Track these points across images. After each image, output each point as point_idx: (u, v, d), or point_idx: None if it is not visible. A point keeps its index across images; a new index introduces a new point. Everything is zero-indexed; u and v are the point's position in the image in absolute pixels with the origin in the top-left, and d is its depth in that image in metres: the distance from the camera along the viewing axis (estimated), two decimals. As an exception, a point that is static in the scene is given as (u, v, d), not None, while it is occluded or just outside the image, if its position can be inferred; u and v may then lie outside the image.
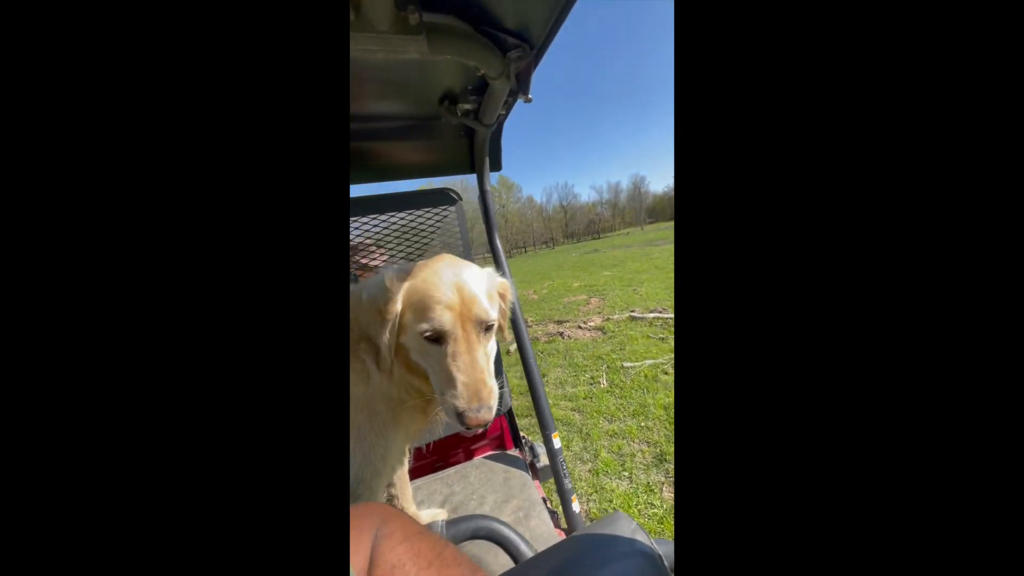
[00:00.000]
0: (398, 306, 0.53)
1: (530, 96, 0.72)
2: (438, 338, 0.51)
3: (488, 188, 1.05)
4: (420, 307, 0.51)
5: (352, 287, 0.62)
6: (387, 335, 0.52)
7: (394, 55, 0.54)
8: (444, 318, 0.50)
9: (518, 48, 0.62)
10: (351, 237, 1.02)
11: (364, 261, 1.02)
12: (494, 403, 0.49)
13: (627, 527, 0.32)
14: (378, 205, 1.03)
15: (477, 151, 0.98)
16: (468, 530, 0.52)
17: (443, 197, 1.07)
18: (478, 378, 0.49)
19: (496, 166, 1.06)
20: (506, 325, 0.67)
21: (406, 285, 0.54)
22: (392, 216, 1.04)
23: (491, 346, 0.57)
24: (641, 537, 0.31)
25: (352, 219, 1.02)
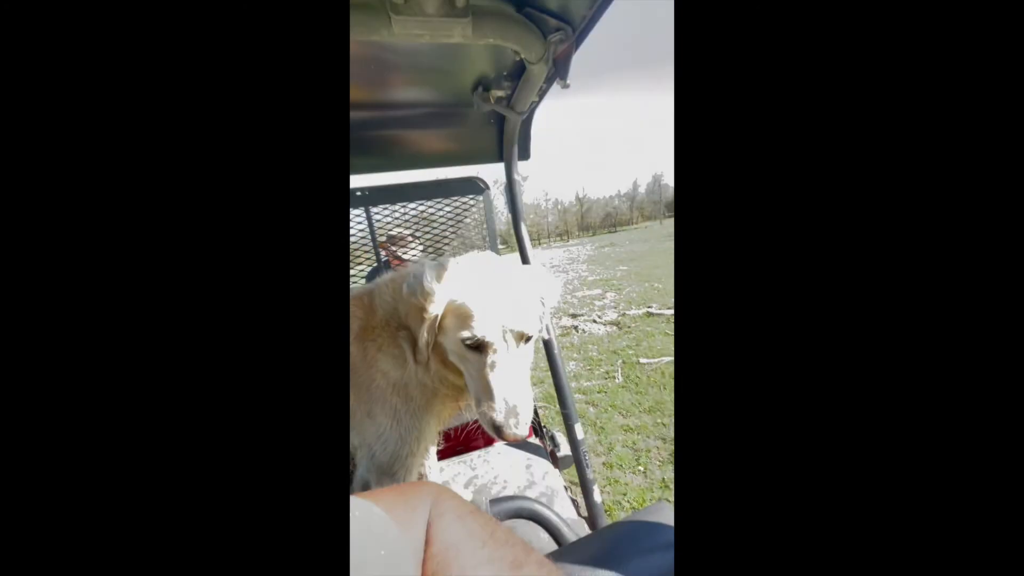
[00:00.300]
0: (439, 309, 0.53)
1: (568, 82, 0.70)
2: (479, 347, 0.52)
3: (516, 178, 1.04)
4: (462, 314, 0.52)
5: (394, 275, 0.63)
6: (425, 334, 0.53)
7: (437, 39, 0.53)
8: (486, 329, 0.51)
9: (560, 31, 0.60)
10: (386, 227, 1.04)
11: (400, 252, 1.04)
12: (529, 418, 0.50)
13: (671, 516, 0.32)
14: (406, 193, 1.05)
15: (507, 139, 0.97)
16: (511, 510, 0.53)
17: (471, 186, 1.07)
18: (516, 392, 0.50)
19: (525, 155, 1.05)
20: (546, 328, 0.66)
21: (448, 287, 0.53)
22: (421, 204, 1.05)
23: (529, 353, 0.57)
24: None
25: (382, 207, 1.03)
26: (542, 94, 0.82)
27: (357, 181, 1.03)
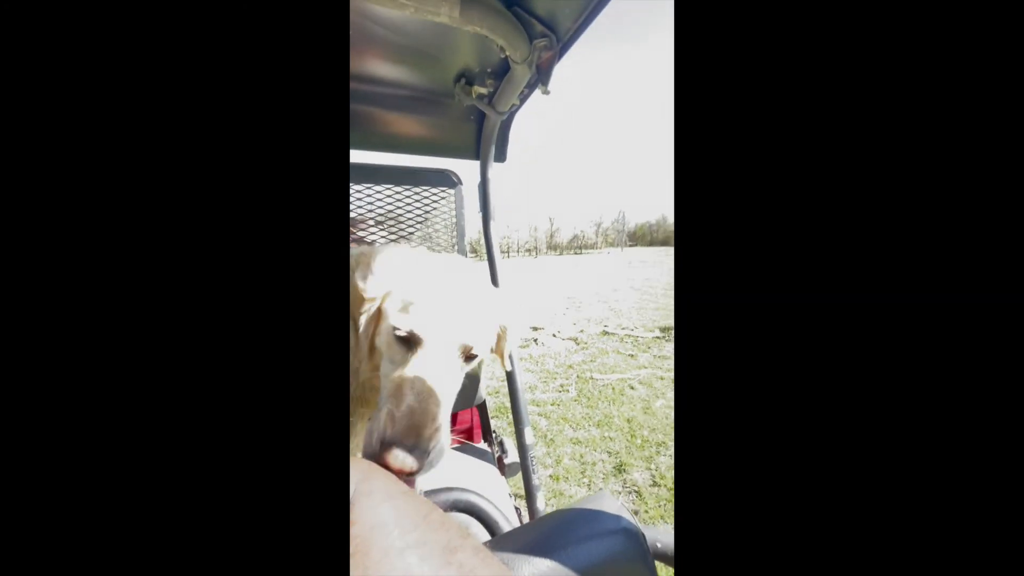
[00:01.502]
0: (379, 292, 0.44)
1: (549, 89, 0.73)
2: (409, 341, 0.42)
3: (489, 177, 1.04)
4: (406, 299, 0.43)
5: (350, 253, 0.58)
6: (363, 320, 0.44)
7: (422, 14, 0.52)
8: (427, 324, 0.41)
9: (545, 38, 0.63)
10: (368, 206, 0.97)
11: (361, 235, 0.97)
12: (432, 455, 0.36)
13: (612, 505, 0.32)
14: (375, 175, 0.99)
15: (485, 138, 0.98)
16: (447, 502, 0.49)
17: (443, 178, 1.05)
18: (428, 411, 0.37)
19: (501, 157, 1.06)
20: (502, 361, 0.56)
21: (400, 268, 0.46)
22: (388, 188, 1.00)
23: (459, 377, 0.45)
24: (626, 515, 0.31)
25: (352, 185, 0.97)
26: (523, 98, 0.84)
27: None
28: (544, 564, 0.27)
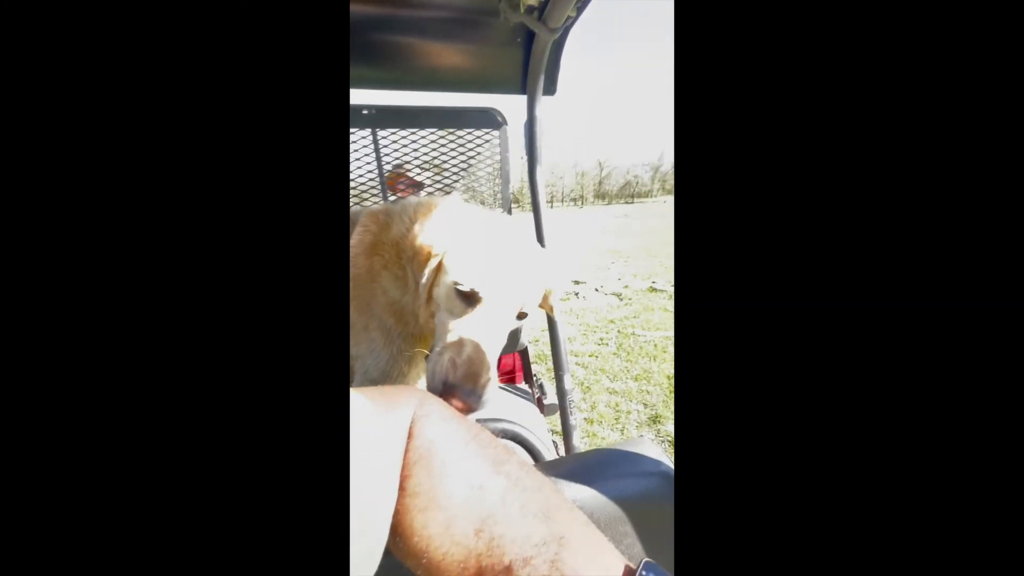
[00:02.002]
0: (445, 244, 0.48)
1: None
2: (469, 297, 0.47)
3: (538, 114, 0.94)
4: (466, 259, 0.47)
5: (417, 202, 0.60)
6: (427, 273, 0.49)
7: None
8: (487, 284, 0.45)
9: None
10: (392, 154, 0.97)
11: (404, 187, 0.99)
12: (485, 396, 0.42)
13: (653, 451, 0.33)
14: (416, 118, 0.96)
15: (533, 65, 0.86)
16: (496, 430, 0.56)
17: (487, 118, 0.98)
18: (484, 362, 0.42)
19: (551, 89, 0.94)
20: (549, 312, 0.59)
21: (459, 224, 0.49)
22: (432, 132, 0.97)
23: (507, 331, 0.50)
24: (667, 461, 0.32)
25: (388, 130, 0.95)
26: (581, 7, 0.70)
27: (362, 97, 0.94)
28: (585, 490, 0.29)
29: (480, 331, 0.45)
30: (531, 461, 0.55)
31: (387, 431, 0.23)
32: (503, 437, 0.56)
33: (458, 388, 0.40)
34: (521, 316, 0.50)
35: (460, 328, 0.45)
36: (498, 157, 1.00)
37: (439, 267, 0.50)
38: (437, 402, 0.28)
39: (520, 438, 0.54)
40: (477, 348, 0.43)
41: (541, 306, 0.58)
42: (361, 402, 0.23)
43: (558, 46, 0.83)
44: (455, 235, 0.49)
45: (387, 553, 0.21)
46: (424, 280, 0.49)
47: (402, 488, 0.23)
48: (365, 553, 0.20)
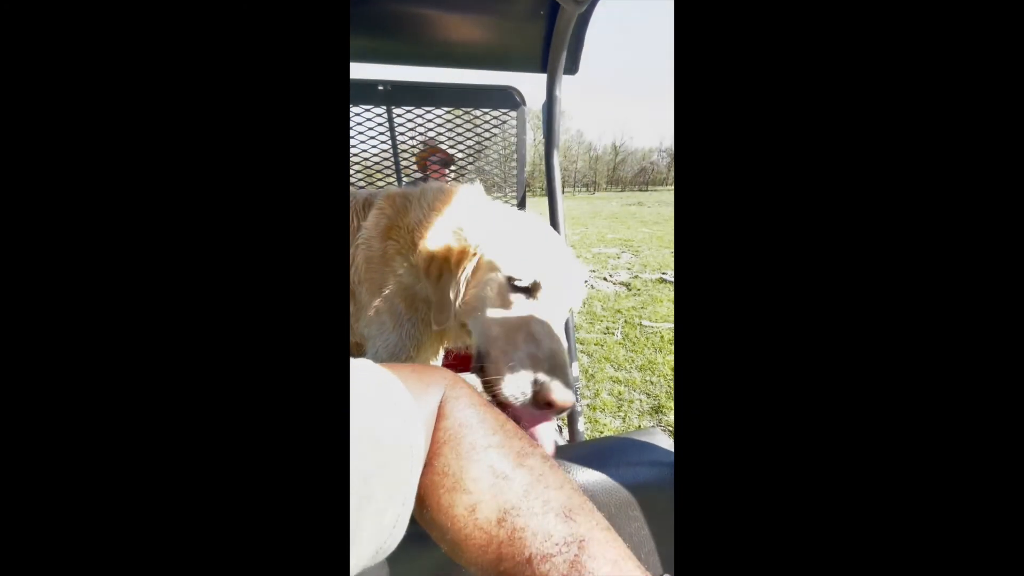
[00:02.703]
0: (478, 240, 0.47)
1: None
2: (529, 291, 0.44)
3: (558, 94, 0.90)
4: (513, 252, 0.45)
5: (437, 188, 0.59)
6: (469, 268, 0.46)
7: None
8: (548, 270, 0.44)
9: None
10: (408, 132, 0.95)
11: (436, 161, 0.97)
12: (576, 389, 0.43)
13: (664, 441, 0.34)
14: (433, 95, 0.93)
15: (555, 41, 0.81)
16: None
17: (505, 97, 0.94)
18: (564, 351, 0.40)
19: (572, 68, 0.89)
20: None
21: (489, 223, 0.48)
22: (448, 111, 0.94)
23: (563, 321, 0.48)
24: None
25: (405, 108, 0.93)
26: (611, -24, 0.65)
27: (378, 72, 0.91)
28: (597, 475, 0.30)
29: (549, 320, 0.43)
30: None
31: (418, 412, 0.24)
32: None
33: (549, 387, 0.37)
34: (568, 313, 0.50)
35: (519, 319, 0.43)
36: (514, 139, 0.97)
37: (479, 265, 0.48)
38: (467, 386, 0.29)
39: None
40: (554, 338, 0.41)
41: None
42: (391, 378, 0.24)
43: (583, 21, 0.79)
44: (489, 230, 0.48)
45: (412, 521, 0.23)
46: (464, 273, 0.47)
47: (430, 465, 0.24)
48: (392, 520, 0.21)
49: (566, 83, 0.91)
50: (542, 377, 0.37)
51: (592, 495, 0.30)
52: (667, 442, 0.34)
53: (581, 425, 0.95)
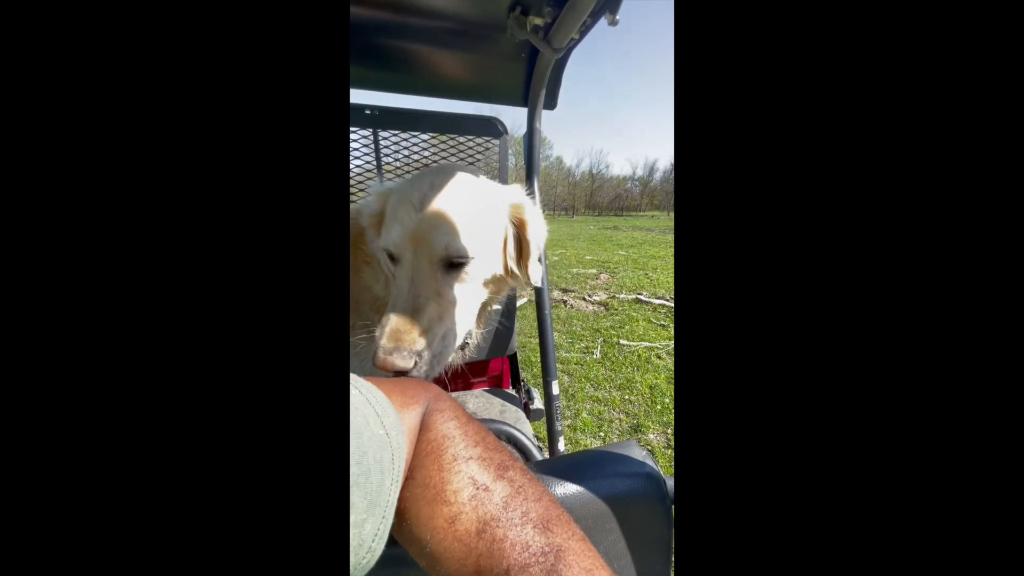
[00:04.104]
0: (374, 217, 0.47)
1: (618, 18, 0.64)
2: (393, 258, 0.45)
3: (538, 126, 0.97)
4: (388, 219, 0.45)
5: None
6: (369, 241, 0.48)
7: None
8: (394, 236, 0.43)
9: None
10: (392, 155, 0.98)
11: None
12: (426, 356, 0.40)
13: (639, 453, 0.35)
14: (418, 121, 0.97)
15: (535, 80, 0.89)
16: (492, 431, 0.57)
17: (488, 126, 1.00)
18: (405, 318, 0.40)
19: (551, 103, 0.97)
20: (525, 267, 0.52)
21: (394, 192, 0.48)
22: (433, 136, 0.98)
23: (466, 290, 0.45)
24: (651, 463, 0.34)
25: (389, 132, 0.96)
26: (584, 30, 0.74)
27: (365, 98, 0.94)
28: (573, 487, 0.31)
29: (402, 288, 0.42)
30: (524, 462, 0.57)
31: (400, 421, 0.24)
32: (499, 437, 0.57)
33: (378, 350, 0.38)
34: (456, 265, 0.44)
35: (391, 289, 0.43)
36: (497, 165, 1.03)
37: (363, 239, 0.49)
38: (450, 399, 0.29)
39: (514, 439, 0.56)
40: (397, 306, 0.41)
41: (520, 261, 0.52)
42: (374, 392, 0.24)
43: (560, 64, 0.87)
44: (383, 201, 0.47)
45: (390, 540, 0.22)
46: (372, 245, 0.47)
47: (412, 478, 0.24)
48: (372, 533, 0.21)
49: (547, 115, 0.98)
50: (376, 342, 0.39)
51: (569, 508, 0.30)
52: (641, 454, 0.35)
53: (561, 445, 0.94)
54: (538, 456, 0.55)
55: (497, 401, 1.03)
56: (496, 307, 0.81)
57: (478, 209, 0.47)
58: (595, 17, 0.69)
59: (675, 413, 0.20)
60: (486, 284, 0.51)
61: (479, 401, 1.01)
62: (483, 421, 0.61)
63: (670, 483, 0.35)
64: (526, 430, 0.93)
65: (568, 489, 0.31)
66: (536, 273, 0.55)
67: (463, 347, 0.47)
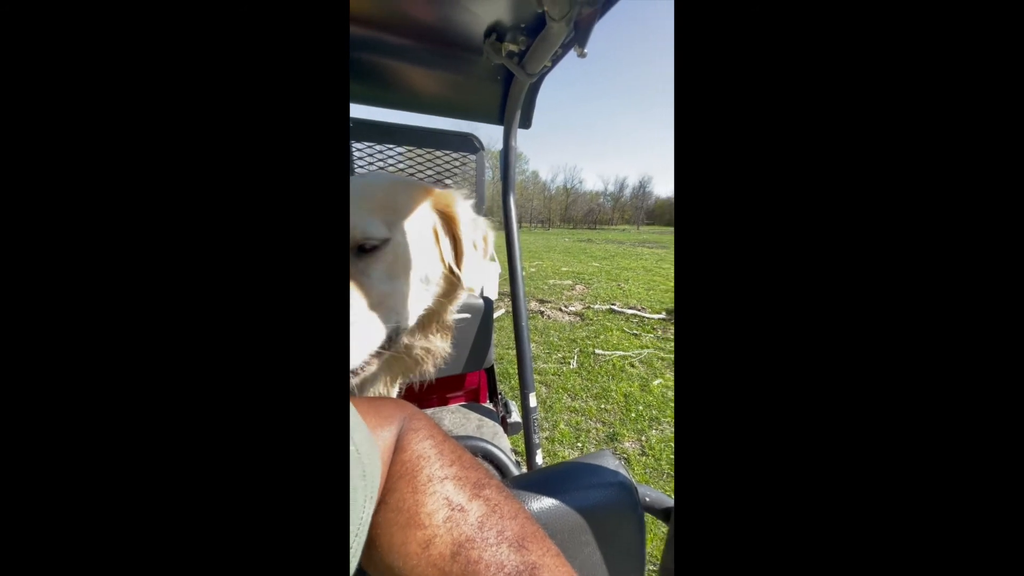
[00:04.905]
0: None
1: (586, 51, 0.69)
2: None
3: (513, 144, 1.01)
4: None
5: None
6: None
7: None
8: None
9: None
10: (367, 167, 0.97)
11: None
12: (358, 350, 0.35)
13: (611, 462, 0.36)
14: (394, 134, 0.98)
15: (510, 102, 0.93)
16: (467, 448, 0.55)
17: (465, 142, 1.03)
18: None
19: (526, 123, 1.02)
20: (459, 256, 0.47)
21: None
22: (410, 150, 0.99)
23: (395, 284, 0.41)
24: (623, 472, 0.35)
25: (369, 144, 0.96)
26: (556, 59, 0.79)
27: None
28: (549, 501, 0.31)
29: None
30: (500, 478, 0.56)
31: (373, 443, 0.24)
32: (474, 454, 0.56)
33: None
34: (369, 249, 0.39)
35: None
36: (473, 179, 1.04)
37: None
38: (426, 419, 0.28)
39: (490, 455, 0.55)
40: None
41: (455, 261, 0.47)
42: (352, 412, 0.23)
43: (534, 88, 0.92)
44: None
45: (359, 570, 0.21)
46: None
47: (384, 502, 0.23)
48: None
49: (524, 132, 1.02)
50: None
51: (545, 522, 0.31)
52: (614, 463, 0.36)
53: (539, 458, 0.94)
54: (515, 471, 0.54)
55: (474, 416, 1.01)
56: (461, 316, 0.80)
57: (392, 192, 0.44)
58: (566, 48, 0.74)
59: (675, 420, 0.19)
60: (426, 283, 0.46)
61: (455, 417, 0.99)
62: (459, 438, 0.60)
63: (642, 491, 0.36)
64: (504, 444, 0.91)
65: (544, 503, 0.31)
66: (473, 275, 0.48)
67: (387, 347, 0.41)
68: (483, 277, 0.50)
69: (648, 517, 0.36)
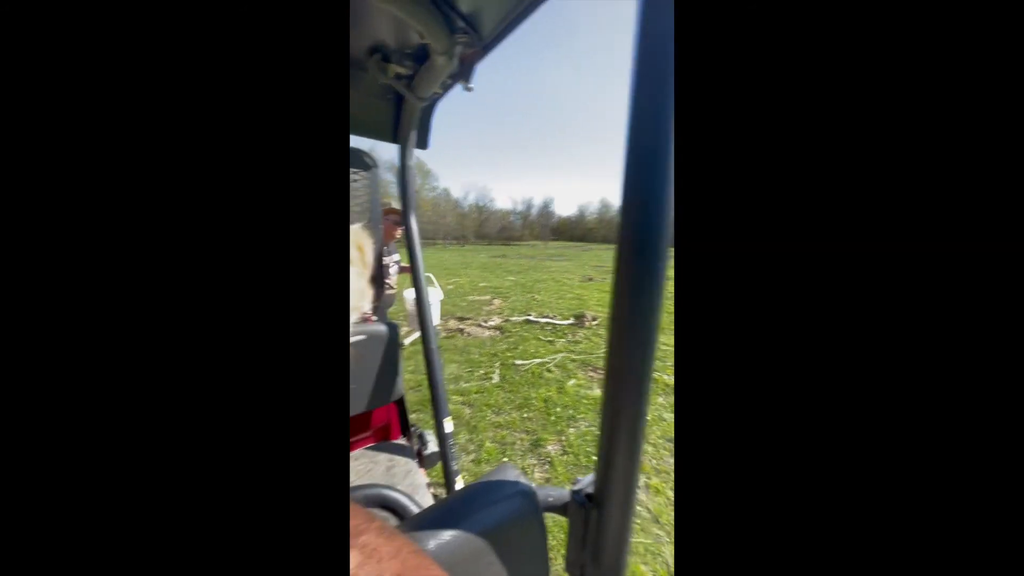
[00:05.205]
0: None
1: (472, 86, 0.74)
2: None
3: (410, 164, 0.99)
4: None
5: None
6: None
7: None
8: None
9: (466, 34, 0.62)
10: None
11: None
12: None
13: (511, 473, 0.37)
14: None
15: (404, 122, 0.92)
16: (359, 498, 0.47)
17: (355, 159, 0.96)
18: None
19: (423, 144, 1.02)
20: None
21: None
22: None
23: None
24: (523, 480, 0.37)
25: None
26: (446, 88, 0.82)
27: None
28: (447, 534, 0.30)
29: None
30: (395, 522, 0.50)
31: None
32: (367, 503, 0.49)
33: None
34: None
35: None
36: (368, 199, 0.98)
37: None
38: None
39: (386, 501, 0.49)
40: None
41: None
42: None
43: (428, 110, 0.93)
44: None
45: None
46: None
47: None
48: None
49: (433, 149, 1.01)
50: None
51: (450, 552, 0.29)
52: (514, 474, 0.38)
53: (460, 484, 0.90)
54: (415, 509, 0.50)
55: (383, 458, 0.90)
56: (356, 338, 0.71)
57: None
58: (454, 79, 0.78)
59: (676, 421, 0.19)
60: None
61: (359, 464, 0.86)
62: (352, 489, 0.52)
63: (542, 494, 0.38)
64: (417, 481, 0.84)
65: (442, 537, 0.30)
66: (354, 294, 0.48)
67: None
68: (365, 296, 0.46)
69: (551, 516, 0.38)
